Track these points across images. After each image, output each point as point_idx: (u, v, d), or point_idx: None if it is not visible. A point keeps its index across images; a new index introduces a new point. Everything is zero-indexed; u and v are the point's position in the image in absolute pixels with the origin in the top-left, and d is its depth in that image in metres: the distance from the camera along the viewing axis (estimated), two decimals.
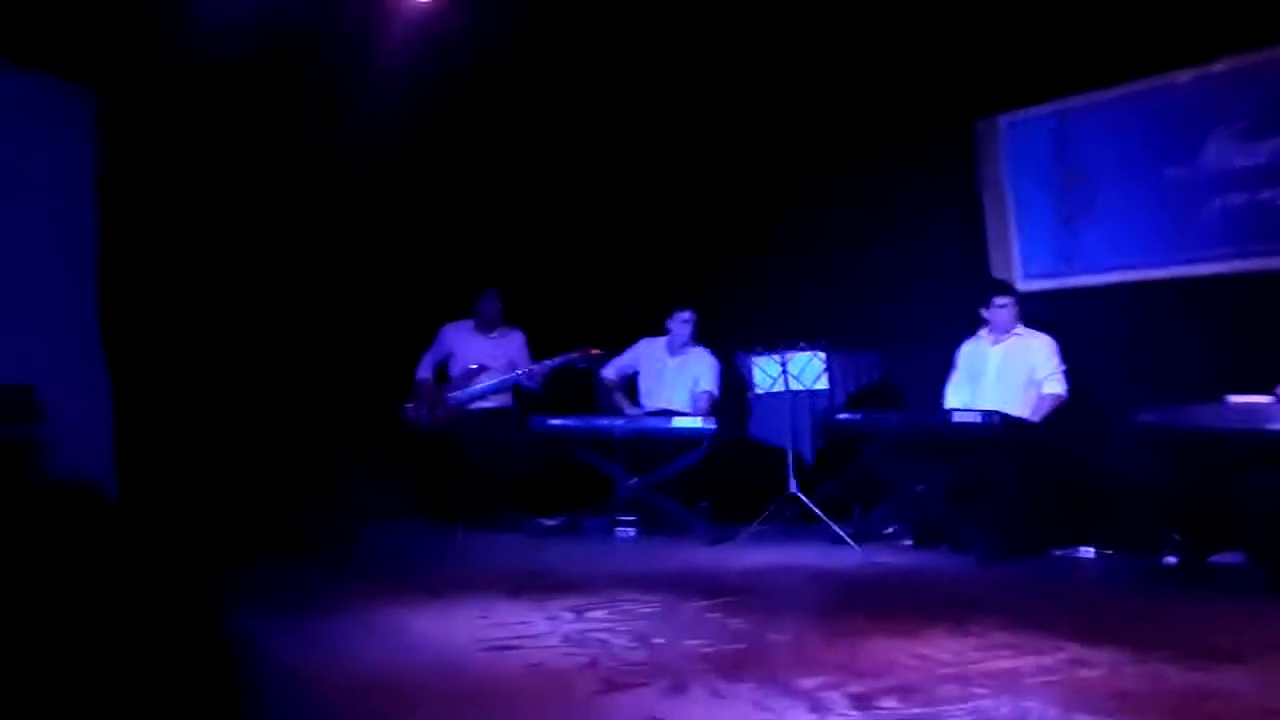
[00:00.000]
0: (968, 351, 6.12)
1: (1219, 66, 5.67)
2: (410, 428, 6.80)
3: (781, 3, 6.33)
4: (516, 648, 3.73)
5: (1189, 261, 5.78)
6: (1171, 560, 5.04)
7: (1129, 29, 5.72)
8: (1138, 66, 5.88)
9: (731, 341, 6.84)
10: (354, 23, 6.30)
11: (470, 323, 7.03)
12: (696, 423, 6.30)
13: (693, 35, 6.63)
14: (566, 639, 3.82)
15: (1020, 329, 5.95)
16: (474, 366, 6.84)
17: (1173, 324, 5.68)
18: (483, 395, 6.82)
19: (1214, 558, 5.04)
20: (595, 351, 6.68)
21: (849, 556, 5.67)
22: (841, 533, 5.92)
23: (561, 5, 6.37)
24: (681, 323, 6.72)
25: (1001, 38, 6.11)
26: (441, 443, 6.67)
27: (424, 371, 6.95)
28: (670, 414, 6.53)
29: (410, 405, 6.84)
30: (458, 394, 6.83)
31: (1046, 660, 3.49)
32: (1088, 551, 5.54)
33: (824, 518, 5.97)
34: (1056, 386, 5.77)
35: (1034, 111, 6.45)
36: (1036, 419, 5.70)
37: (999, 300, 5.95)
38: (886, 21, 6.31)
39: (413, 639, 3.89)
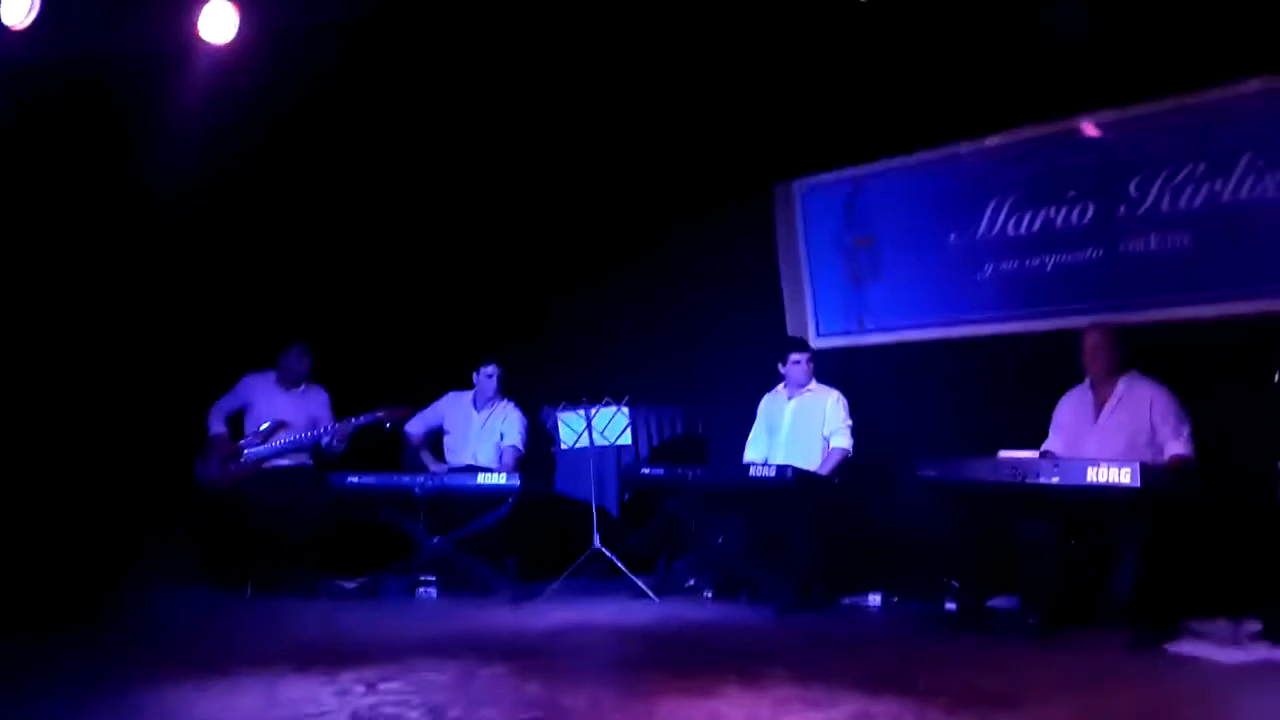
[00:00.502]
0: (766, 405, 6.30)
1: (993, 141, 6.07)
2: (201, 485, 6.48)
3: (586, 68, 6.41)
4: None
5: (967, 322, 6.14)
6: (951, 606, 5.28)
7: (917, 101, 6.05)
8: (924, 138, 6.23)
9: (538, 397, 6.83)
10: (150, 68, 6.05)
11: (273, 375, 6.76)
12: (501, 479, 6.22)
13: (499, 90, 6.65)
14: (355, 717, 3.69)
15: (814, 385, 6.17)
16: (271, 423, 6.57)
17: (953, 381, 6.01)
18: (280, 453, 6.56)
19: (991, 602, 5.32)
20: (402, 410, 6.53)
21: (650, 611, 5.71)
22: (643, 586, 5.96)
23: (367, 55, 6.27)
24: (486, 376, 6.65)
25: (799, 105, 6.37)
26: (234, 501, 6.38)
27: (217, 424, 6.62)
28: (475, 470, 6.44)
29: (202, 461, 6.52)
30: (254, 450, 6.55)
31: (832, 714, 3.59)
32: (875, 599, 5.75)
33: (626, 572, 6.00)
34: (843, 441, 6.00)
35: (828, 177, 6.74)
36: (826, 472, 5.90)
37: (794, 356, 6.16)
38: (691, 86, 6.48)
39: None
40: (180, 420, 6.64)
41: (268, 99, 6.31)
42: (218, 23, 5.74)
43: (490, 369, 6.63)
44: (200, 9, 5.71)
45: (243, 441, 6.58)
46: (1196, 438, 4.94)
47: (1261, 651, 4.36)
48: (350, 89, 6.54)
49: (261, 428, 6.54)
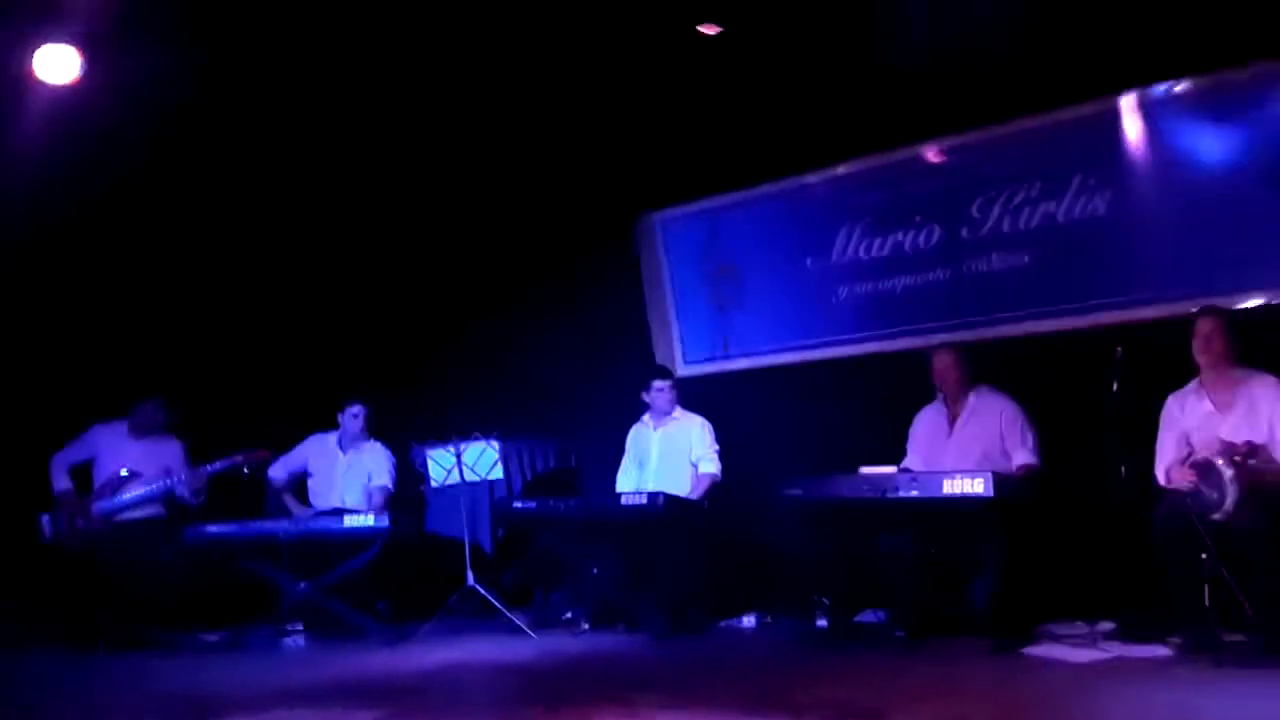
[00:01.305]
0: (634, 436, 6.33)
1: (842, 169, 6.27)
2: (50, 543, 6.16)
3: (445, 107, 6.40)
4: None
5: (826, 344, 6.31)
6: (823, 623, 5.38)
7: (768, 133, 6.23)
8: (776, 168, 6.40)
9: (406, 436, 6.72)
10: None
11: (123, 425, 6.49)
12: (369, 520, 6.07)
13: (359, 126, 6.58)
14: None
15: (679, 412, 6.22)
16: (123, 473, 6.30)
17: (815, 402, 6.15)
18: (132, 505, 6.29)
19: (859, 617, 5.43)
20: (262, 453, 6.33)
21: (527, 645, 5.65)
22: (519, 621, 5.90)
23: (225, 86, 6.12)
24: (352, 417, 6.50)
25: (656, 140, 6.48)
26: (84, 558, 6.07)
27: (61, 477, 6.30)
28: (342, 512, 6.28)
29: (49, 517, 6.20)
30: (103, 504, 6.27)
31: None
32: (751, 620, 5.82)
33: (501, 608, 5.94)
34: (711, 466, 6.06)
35: (688, 208, 6.88)
36: (696, 497, 5.96)
37: (656, 384, 6.21)
38: (551, 122, 6.53)
39: None
40: (23, 475, 6.32)
41: (116, 139, 6.10)
42: (56, 64, 5.54)
43: (355, 409, 6.49)
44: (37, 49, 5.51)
45: (90, 495, 6.29)
46: (1043, 447, 5.15)
47: (1116, 649, 4.53)
48: (203, 127, 6.38)
49: (121, 472, 6.26)
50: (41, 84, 5.60)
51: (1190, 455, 4.49)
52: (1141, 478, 4.67)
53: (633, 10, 5.63)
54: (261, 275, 7.23)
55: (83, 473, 6.41)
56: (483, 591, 6.00)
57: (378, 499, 6.40)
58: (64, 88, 5.69)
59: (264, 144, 6.62)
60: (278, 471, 6.53)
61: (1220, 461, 4.22)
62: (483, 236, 7.13)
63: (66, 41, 5.54)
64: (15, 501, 6.26)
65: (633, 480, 6.23)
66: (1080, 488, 5.06)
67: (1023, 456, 5.12)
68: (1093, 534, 4.99)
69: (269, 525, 6.17)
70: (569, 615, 6.17)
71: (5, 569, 6.00)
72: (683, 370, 6.68)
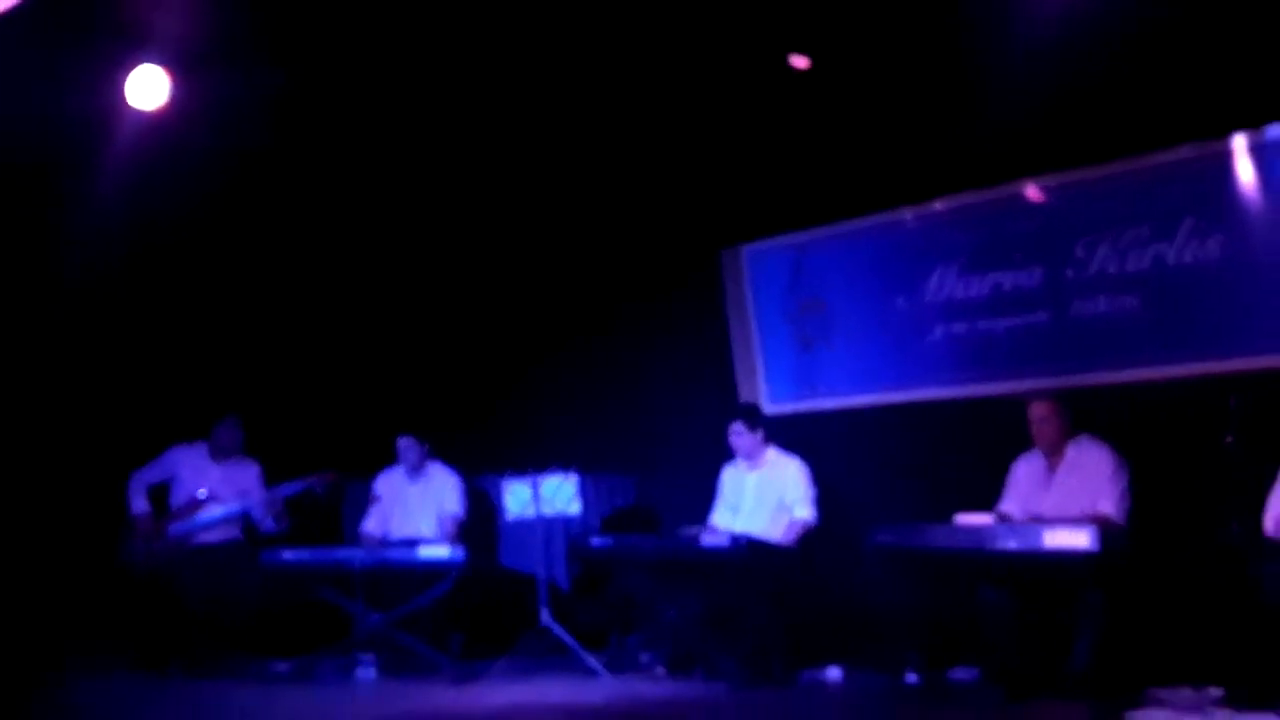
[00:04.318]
0: (728, 476, 6.14)
1: (938, 206, 6.09)
2: (126, 565, 6.17)
3: (528, 136, 6.36)
4: None
5: (919, 386, 6.09)
6: (913, 678, 5.16)
7: (860, 166, 6.08)
8: (868, 202, 6.24)
9: (480, 464, 6.64)
10: (77, 132, 5.88)
11: (203, 447, 6.53)
12: (444, 552, 6.00)
13: (438, 160, 6.58)
14: None
15: (773, 453, 6.03)
16: (201, 494, 6.29)
17: (907, 446, 5.93)
18: (209, 526, 6.28)
19: (952, 673, 5.21)
20: (330, 475, 6.30)
21: (601, 688, 5.51)
22: (594, 663, 5.76)
23: (300, 123, 6.17)
24: (404, 449, 6.46)
25: (744, 172, 6.37)
26: (160, 580, 6.07)
27: (139, 499, 6.33)
28: (415, 543, 6.20)
29: (126, 539, 6.21)
30: (180, 525, 6.27)
31: None
32: (836, 672, 5.60)
33: (575, 648, 5.80)
34: (805, 511, 5.83)
35: (774, 242, 6.72)
36: (786, 543, 5.75)
37: (733, 427, 6.01)
38: (639, 153, 6.47)
39: None
40: (104, 498, 6.35)
41: (199, 165, 6.17)
42: (147, 88, 5.59)
43: (405, 442, 6.44)
44: (128, 74, 5.56)
45: (167, 518, 6.30)
46: (1148, 500, 4.91)
47: (1224, 717, 4.31)
48: (283, 155, 6.42)
49: (199, 493, 6.26)
50: (132, 109, 5.66)
51: None
52: (1254, 535, 4.42)
53: (724, 41, 5.55)
54: (347, 299, 7.25)
55: (160, 494, 6.44)
56: (557, 630, 5.87)
57: (449, 528, 6.32)
58: (153, 113, 5.75)
59: (342, 169, 6.63)
60: (371, 527, 6.48)
61: None
62: (569, 266, 7.06)
63: (156, 63, 5.59)
64: (93, 522, 6.29)
65: (726, 521, 6.00)
66: (1190, 545, 4.81)
67: (1103, 505, 4.87)
68: (1201, 593, 4.74)
69: (344, 553, 6.13)
70: (645, 659, 6.00)
71: (82, 591, 6.02)
72: (768, 409, 6.49)
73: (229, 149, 6.15)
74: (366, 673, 6.06)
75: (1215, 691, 4.57)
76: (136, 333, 6.80)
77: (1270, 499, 4.42)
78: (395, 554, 6.13)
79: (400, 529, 6.44)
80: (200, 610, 5.97)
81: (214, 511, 6.29)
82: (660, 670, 5.87)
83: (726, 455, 6.12)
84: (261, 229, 6.90)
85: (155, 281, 6.81)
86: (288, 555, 6.09)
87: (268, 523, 6.27)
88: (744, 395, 6.69)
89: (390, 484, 6.56)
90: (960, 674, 5.21)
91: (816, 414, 6.46)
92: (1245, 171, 5.14)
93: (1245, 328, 5.10)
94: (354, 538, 6.50)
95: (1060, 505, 4.98)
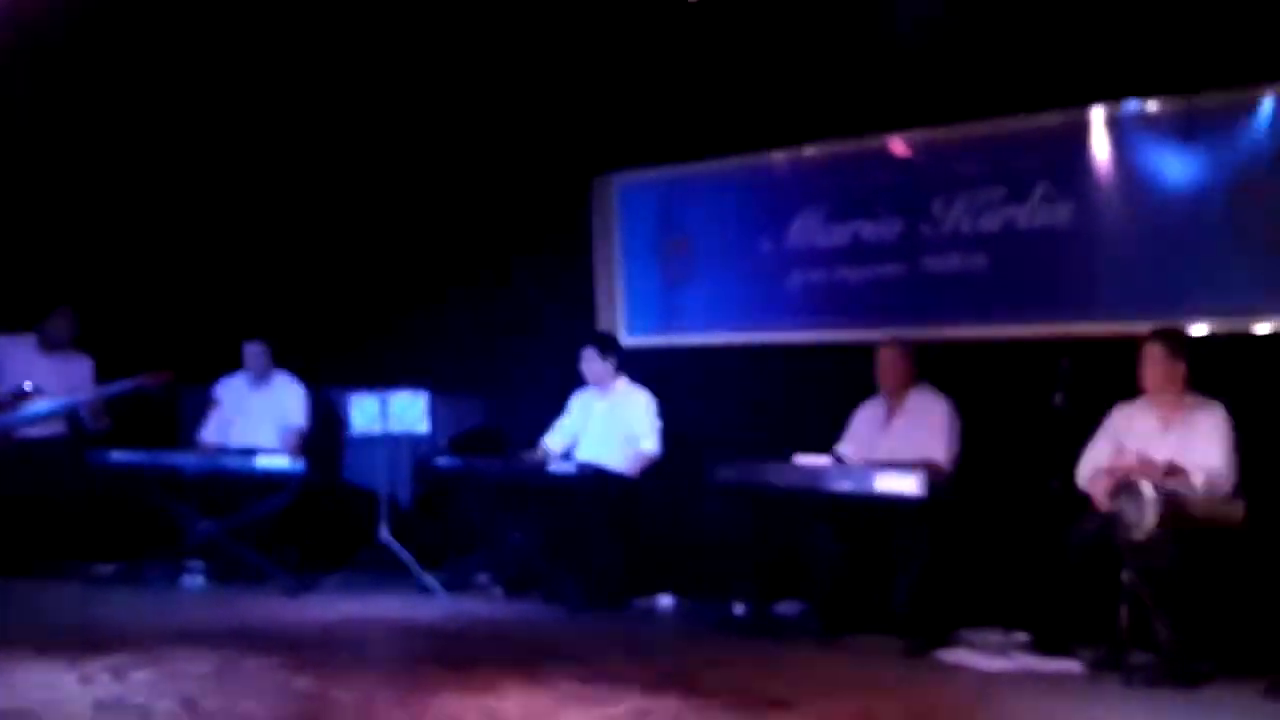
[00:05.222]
0: (577, 402, 6.15)
1: (809, 151, 6.15)
2: None
3: (407, 50, 6.20)
4: (33, 716, 3.24)
5: (773, 328, 6.18)
6: (739, 609, 5.29)
7: (735, 106, 6.08)
8: (739, 143, 6.26)
9: (328, 376, 6.49)
10: None
11: (31, 339, 6.22)
12: (283, 462, 5.87)
13: (305, 62, 6.35)
14: (98, 705, 3.41)
15: (623, 384, 6.05)
16: (26, 386, 5.99)
17: (757, 386, 6.03)
18: (34, 421, 6.00)
19: (778, 607, 5.36)
20: (163, 375, 6.07)
21: (436, 607, 5.51)
22: (430, 581, 5.74)
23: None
24: (252, 356, 6.29)
25: (621, 101, 6.30)
26: None
27: None
28: (254, 452, 6.03)
29: None
30: (3, 418, 5.97)
31: (612, 711, 3.51)
32: (668, 600, 5.72)
33: (413, 566, 5.76)
34: (649, 443, 5.88)
35: (645, 175, 6.69)
36: (629, 472, 5.81)
37: (586, 353, 6.01)
38: (514, 76, 6.33)
39: None
40: None
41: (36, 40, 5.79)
42: None
43: (254, 348, 6.28)
44: None
45: None
46: (977, 453, 5.10)
47: (1027, 660, 4.52)
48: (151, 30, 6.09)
49: (24, 385, 5.96)
50: None
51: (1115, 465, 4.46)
52: (1072, 493, 4.64)
53: None
54: (200, 197, 6.94)
55: None
56: (394, 547, 5.82)
57: (292, 440, 6.16)
58: None
59: (216, 59, 6.37)
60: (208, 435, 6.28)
61: (1143, 482, 4.20)
62: (435, 182, 6.88)
63: None
64: None
65: (563, 439, 6.01)
66: (1010, 497, 5.02)
67: (932, 451, 5.01)
68: (1017, 544, 4.96)
69: (177, 457, 5.95)
70: (483, 580, 6.01)
71: None
72: (626, 340, 6.50)
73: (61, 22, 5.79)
74: (194, 580, 5.93)
75: (1022, 636, 4.81)
76: None
77: (1089, 453, 4.65)
78: (231, 462, 5.96)
79: (240, 437, 6.25)
80: (18, 505, 5.72)
81: (40, 406, 6.01)
82: (497, 591, 5.90)
83: (580, 383, 6.12)
84: (114, 113, 6.54)
85: None
86: (116, 456, 5.88)
87: (96, 421, 6.02)
88: (603, 324, 6.68)
89: (231, 391, 6.38)
90: (786, 608, 5.36)
91: (673, 349, 6.51)
92: (1100, 143, 5.31)
93: (1086, 294, 5.30)
94: (190, 443, 6.29)
95: (895, 450, 5.13)
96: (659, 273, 6.67)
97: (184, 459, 5.93)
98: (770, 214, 6.25)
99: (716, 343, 6.38)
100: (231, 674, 3.90)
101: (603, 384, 6.01)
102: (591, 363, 5.98)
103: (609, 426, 5.95)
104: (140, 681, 3.71)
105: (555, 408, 6.18)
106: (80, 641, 4.23)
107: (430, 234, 6.90)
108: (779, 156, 6.25)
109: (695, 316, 6.51)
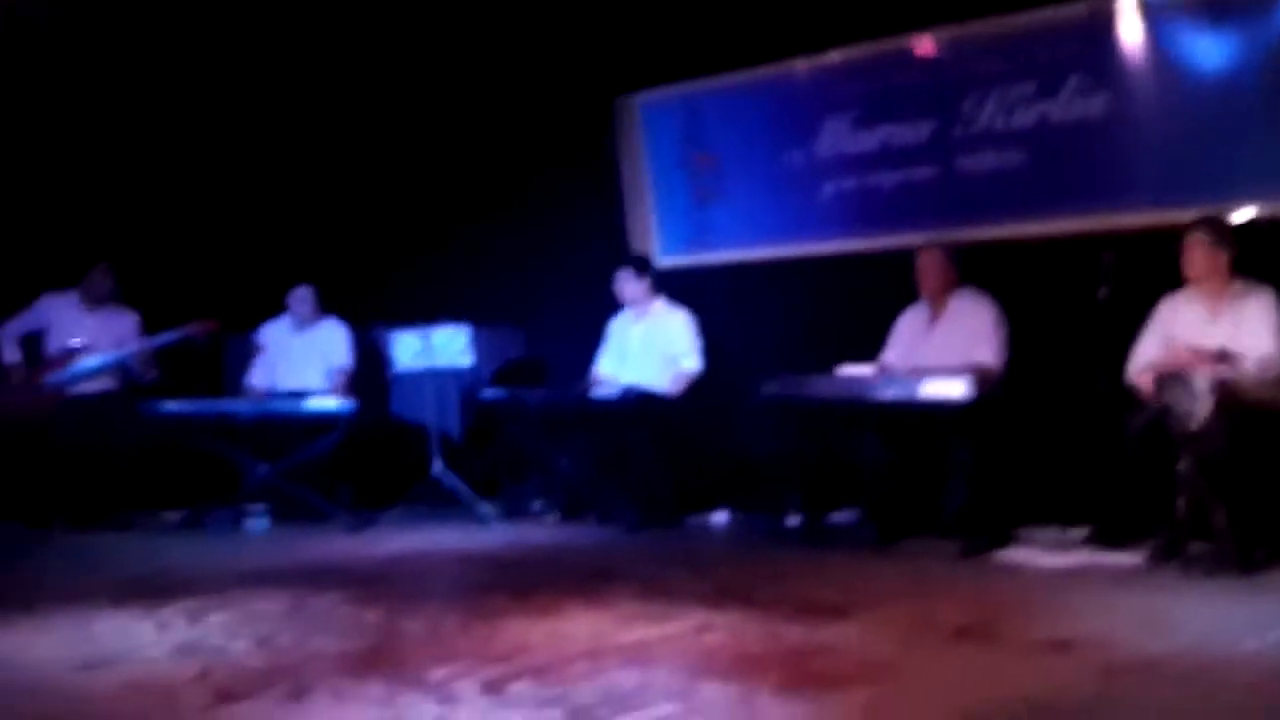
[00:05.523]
0: (615, 327, 6.17)
1: (832, 57, 6.04)
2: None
3: None
4: (116, 663, 3.34)
5: (807, 240, 6.14)
6: (793, 521, 5.35)
7: (754, 17, 5.96)
8: (761, 54, 6.15)
9: (369, 316, 6.53)
10: None
11: (75, 296, 6.29)
12: (332, 403, 5.94)
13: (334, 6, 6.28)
14: (177, 649, 3.48)
15: (660, 304, 6.06)
16: (75, 344, 6.08)
17: (796, 300, 6.01)
18: (85, 377, 6.09)
19: (832, 517, 5.41)
20: (210, 324, 6.13)
21: (494, 535, 5.61)
22: (486, 511, 5.83)
23: None
24: (299, 301, 6.33)
25: (639, 19, 6.20)
26: (36, 432, 5.90)
27: (9, 349, 6.11)
28: (303, 394, 6.11)
29: None
30: (56, 376, 6.06)
31: (674, 628, 3.57)
32: (721, 516, 5.79)
33: (468, 497, 5.86)
34: (692, 362, 5.91)
35: (667, 92, 6.60)
36: (673, 392, 5.84)
37: (621, 274, 6.02)
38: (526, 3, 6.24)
39: None
40: None
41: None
42: None
43: (302, 292, 6.31)
44: None
45: (40, 367, 6.10)
46: (1025, 352, 5.08)
47: (1086, 555, 4.54)
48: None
49: (73, 343, 6.05)
50: None
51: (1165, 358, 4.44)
52: (1120, 386, 4.62)
53: None
54: (234, 146, 6.93)
55: (33, 348, 6.21)
56: (449, 480, 5.91)
57: (339, 380, 6.24)
58: None
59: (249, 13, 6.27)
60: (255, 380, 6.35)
61: (1195, 372, 4.17)
62: (461, 116, 6.84)
63: None
64: None
65: (611, 369, 6.06)
66: (1061, 394, 5.01)
67: (982, 355, 4.99)
68: (1070, 441, 4.96)
69: (228, 405, 6.03)
70: (538, 506, 6.10)
71: None
72: (660, 262, 6.49)
73: None
74: (258, 523, 6.04)
75: (1080, 531, 4.83)
76: (4, 179, 6.43)
77: (1139, 347, 4.61)
78: (282, 405, 6.04)
79: (286, 381, 6.33)
80: (78, 460, 5.84)
81: (90, 361, 6.10)
82: (552, 517, 5.98)
83: (617, 307, 6.13)
84: (148, 70, 6.52)
85: (26, 121, 6.41)
86: (169, 406, 5.96)
87: (145, 373, 6.11)
88: (636, 247, 6.67)
89: (276, 336, 6.43)
90: (840, 517, 5.41)
91: (708, 267, 6.48)
92: (1131, 31, 5.18)
93: (1124, 184, 5.22)
94: (237, 390, 6.37)
95: (940, 355, 5.11)
96: (688, 191, 6.62)
97: (236, 405, 6.01)
98: (797, 124, 6.17)
99: (751, 258, 6.34)
100: (302, 611, 3.97)
101: (640, 305, 6.02)
102: (627, 284, 5.99)
103: (648, 348, 5.97)
104: (215, 624, 3.78)
105: (593, 334, 6.21)
106: (153, 589, 4.31)
107: (456, 168, 6.89)
108: (802, 65, 6.15)
109: (728, 233, 6.48)
